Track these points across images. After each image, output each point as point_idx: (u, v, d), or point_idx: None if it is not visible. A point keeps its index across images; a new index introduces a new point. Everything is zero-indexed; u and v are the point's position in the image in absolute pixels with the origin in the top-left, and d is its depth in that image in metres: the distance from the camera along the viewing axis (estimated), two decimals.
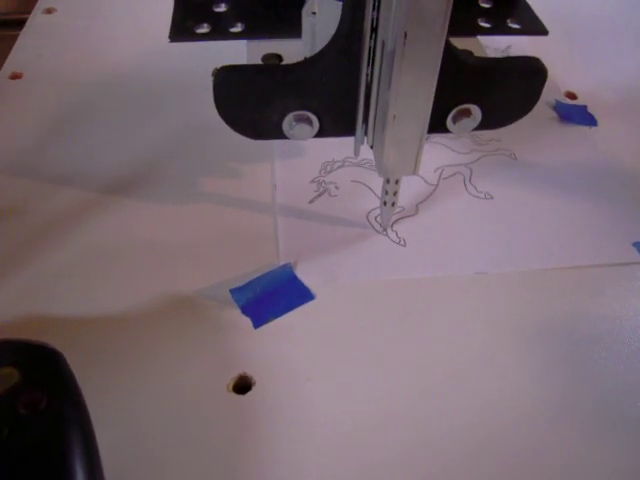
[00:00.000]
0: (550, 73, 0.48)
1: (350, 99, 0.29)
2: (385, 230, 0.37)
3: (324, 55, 0.28)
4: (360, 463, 0.27)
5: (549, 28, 0.54)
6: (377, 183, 0.39)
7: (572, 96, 0.47)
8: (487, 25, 0.51)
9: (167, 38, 0.50)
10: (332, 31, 0.28)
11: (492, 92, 0.30)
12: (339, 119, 0.30)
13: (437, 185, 0.39)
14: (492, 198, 0.39)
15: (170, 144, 0.42)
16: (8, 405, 0.24)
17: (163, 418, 0.28)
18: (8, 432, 0.24)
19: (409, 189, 0.39)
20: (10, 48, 0.50)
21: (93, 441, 0.25)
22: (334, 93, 0.29)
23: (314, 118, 0.30)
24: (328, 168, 0.40)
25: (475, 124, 0.31)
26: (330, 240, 0.36)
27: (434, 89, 0.27)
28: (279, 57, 0.38)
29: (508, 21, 0.52)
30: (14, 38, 0.51)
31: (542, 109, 0.45)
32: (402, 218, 0.37)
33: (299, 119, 0.30)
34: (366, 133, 0.31)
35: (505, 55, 0.51)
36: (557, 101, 0.46)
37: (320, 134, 0.31)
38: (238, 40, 0.47)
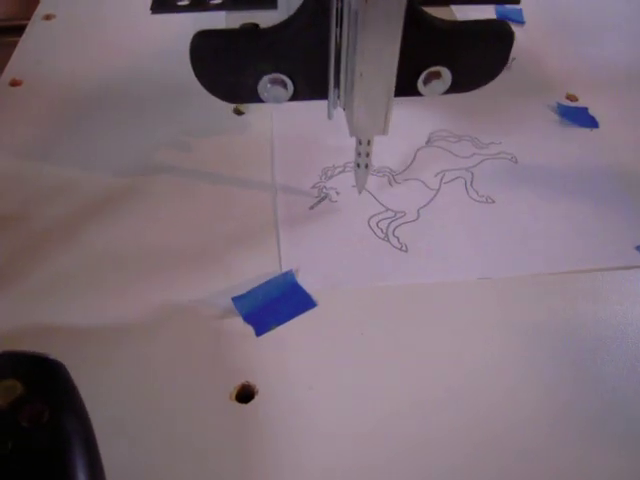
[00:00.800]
0: (551, 75, 0.49)
1: (322, 61, 0.30)
2: (360, 193, 0.37)
3: (296, 18, 0.29)
4: (362, 471, 0.27)
5: (551, 30, 0.54)
6: (378, 188, 0.39)
7: (573, 98, 0.47)
8: None
9: (165, 41, 0.50)
10: None
11: (461, 55, 0.31)
12: (312, 82, 0.31)
13: (438, 190, 0.39)
14: (494, 202, 0.39)
15: (170, 149, 0.42)
16: (11, 418, 0.24)
17: (166, 428, 0.28)
18: (12, 445, 0.24)
19: (410, 194, 0.39)
20: (9, 54, 0.50)
21: (96, 453, 0.25)
22: (306, 56, 0.30)
23: (288, 81, 0.31)
24: (329, 173, 0.40)
25: (445, 87, 0.32)
26: (331, 246, 0.36)
27: (398, 47, 0.28)
28: (256, 26, 0.39)
29: None
30: (13, 44, 0.51)
31: (543, 111, 0.45)
32: (403, 223, 0.37)
33: (274, 82, 0.31)
34: (339, 96, 0.32)
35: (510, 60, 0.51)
36: (558, 103, 0.46)
37: (295, 97, 0.32)
38: (219, 13, 0.47)
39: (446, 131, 0.43)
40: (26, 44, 0.51)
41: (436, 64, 0.31)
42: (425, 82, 0.32)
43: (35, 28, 0.53)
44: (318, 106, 0.33)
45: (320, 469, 0.27)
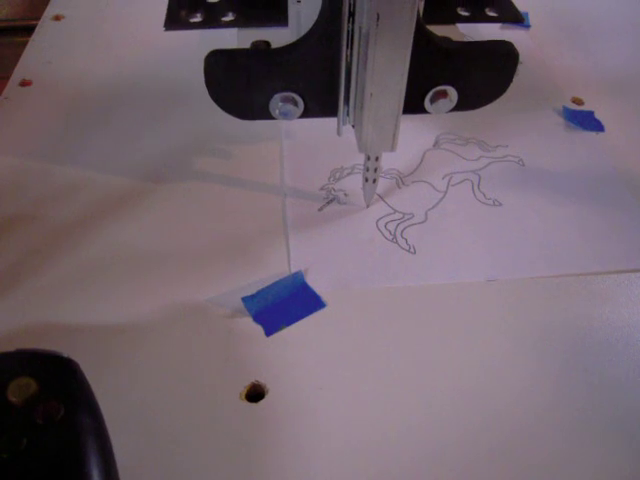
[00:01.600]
0: (557, 78, 0.49)
1: (332, 80, 0.31)
2: (367, 207, 0.38)
3: (307, 39, 0.30)
4: (372, 471, 0.27)
5: (557, 34, 0.55)
6: (386, 190, 0.40)
7: (579, 102, 0.47)
8: (466, 13, 0.52)
9: (175, 42, 0.51)
10: (315, 17, 0.30)
11: (467, 74, 0.32)
12: (323, 100, 0.32)
13: (446, 192, 0.40)
14: (501, 205, 0.39)
15: (180, 151, 0.42)
16: (26, 415, 0.24)
17: (177, 426, 0.29)
18: (27, 442, 0.24)
19: (418, 196, 0.39)
20: (19, 55, 0.50)
21: (110, 450, 0.25)
22: (317, 75, 0.31)
23: (299, 99, 0.32)
24: (337, 175, 0.40)
25: (452, 105, 0.33)
26: (340, 248, 0.36)
27: (407, 67, 0.29)
28: (267, 43, 0.40)
29: (486, 10, 0.53)
30: (23, 45, 0.52)
31: (549, 115, 0.46)
32: (412, 225, 0.37)
33: (285, 100, 0.32)
34: (348, 113, 0.33)
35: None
36: (564, 107, 0.46)
37: (305, 114, 0.33)
38: (229, 29, 0.48)
39: (453, 134, 0.44)
40: (36, 44, 0.52)
41: (443, 83, 0.32)
42: (432, 101, 0.33)
43: (45, 28, 0.54)
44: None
45: (329, 469, 0.27)
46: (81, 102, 0.46)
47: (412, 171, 0.41)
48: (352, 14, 0.28)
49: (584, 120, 0.45)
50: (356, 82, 0.31)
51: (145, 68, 0.49)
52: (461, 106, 0.33)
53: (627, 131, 0.45)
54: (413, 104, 0.32)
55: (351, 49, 0.30)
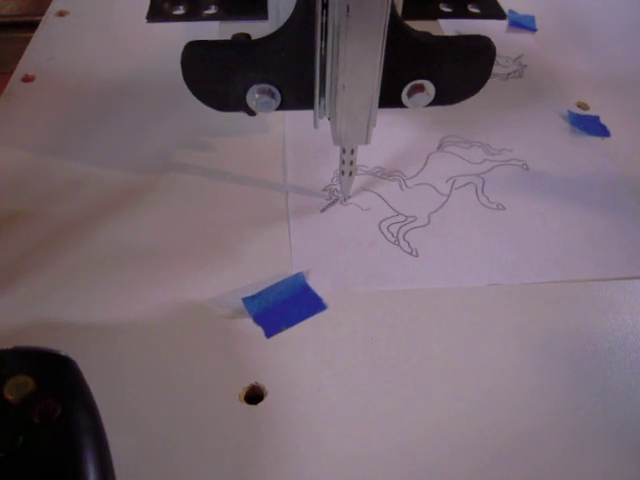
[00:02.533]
0: (562, 82, 0.49)
1: (308, 73, 0.31)
2: (345, 200, 0.38)
3: (283, 32, 0.30)
4: (371, 475, 0.27)
5: (562, 37, 0.54)
6: (389, 192, 0.39)
7: (584, 106, 0.47)
8: (448, 10, 0.53)
9: (180, 39, 0.50)
10: None
11: (444, 69, 0.32)
12: (299, 92, 0.32)
13: (449, 195, 0.39)
14: (504, 209, 0.39)
15: (182, 149, 0.42)
16: (23, 414, 0.24)
17: (174, 426, 0.28)
18: (23, 441, 0.24)
19: (421, 199, 0.39)
20: (22, 50, 0.50)
21: (106, 450, 0.25)
22: (293, 67, 0.31)
23: (276, 91, 0.32)
24: None
25: (429, 99, 0.33)
26: (342, 249, 0.36)
27: (379, 60, 0.29)
28: (248, 36, 0.40)
29: (469, 6, 0.54)
30: (26, 40, 0.51)
31: (554, 119, 0.45)
32: (414, 228, 0.37)
33: (262, 92, 0.32)
34: (324, 107, 0.33)
35: (517, 63, 0.51)
36: (569, 111, 0.46)
37: (282, 107, 0.33)
38: (212, 22, 0.48)
39: (457, 137, 0.44)
40: (39, 40, 0.52)
41: (420, 77, 0.32)
42: (409, 94, 0.33)
43: (48, 24, 0.53)
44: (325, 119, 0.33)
45: (328, 472, 0.27)
46: (83, 98, 0.46)
47: (416, 174, 0.41)
48: (325, 6, 0.29)
49: (589, 125, 0.45)
50: (331, 74, 0.31)
51: (148, 64, 0.49)
52: (439, 101, 0.33)
53: (633, 136, 0.44)
54: (390, 98, 0.32)
55: (325, 42, 0.30)
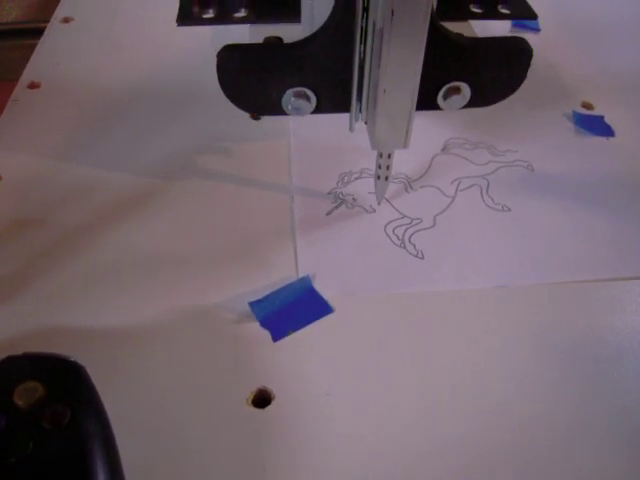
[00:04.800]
0: (567, 83, 0.49)
1: (345, 76, 0.31)
2: (379, 204, 0.38)
3: (320, 35, 0.30)
4: (380, 478, 0.27)
5: (567, 38, 0.54)
6: (394, 194, 0.39)
7: (589, 106, 0.47)
8: (478, 10, 0.53)
9: (183, 45, 0.51)
10: (329, 13, 0.30)
11: (480, 70, 0.32)
12: (335, 96, 0.32)
13: (454, 197, 0.39)
14: (509, 210, 0.39)
15: (188, 155, 0.42)
16: (33, 419, 0.24)
17: (183, 431, 0.29)
18: (33, 446, 0.24)
19: (427, 201, 0.39)
20: (28, 57, 0.51)
21: (116, 455, 0.25)
22: (330, 71, 0.31)
23: (311, 95, 0.32)
24: (345, 179, 0.40)
25: (465, 101, 0.33)
26: (348, 252, 0.36)
27: (421, 64, 0.29)
28: (280, 39, 0.41)
29: (499, 7, 0.54)
30: (31, 47, 0.52)
31: (559, 119, 0.45)
32: (420, 230, 0.37)
33: (297, 95, 0.32)
34: (360, 110, 0.33)
35: None
36: (574, 111, 0.46)
37: (317, 110, 0.33)
38: (241, 26, 0.48)
39: (462, 138, 0.44)
40: (44, 47, 0.52)
41: (456, 79, 0.32)
42: (445, 97, 0.33)
43: (53, 31, 0.54)
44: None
45: (336, 475, 0.27)
46: (90, 104, 0.46)
47: (421, 176, 0.41)
48: (366, 10, 0.28)
49: (594, 125, 0.45)
50: (369, 78, 0.31)
51: (154, 69, 0.49)
52: (474, 103, 0.33)
53: (638, 136, 0.44)
54: (426, 100, 0.32)
55: (364, 45, 0.30)
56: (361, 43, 0.30)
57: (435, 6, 0.38)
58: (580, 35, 0.55)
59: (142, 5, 0.56)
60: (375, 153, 0.35)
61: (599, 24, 0.56)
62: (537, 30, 0.54)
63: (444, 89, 0.32)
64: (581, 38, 0.54)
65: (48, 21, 0.55)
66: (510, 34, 0.54)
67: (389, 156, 0.35)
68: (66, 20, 0.55)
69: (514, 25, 0.55)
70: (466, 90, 0.32)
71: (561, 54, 0.52)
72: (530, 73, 0.49)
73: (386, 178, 0.36)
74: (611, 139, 0.44)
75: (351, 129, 0.33)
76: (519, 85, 0.33)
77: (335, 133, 0.42)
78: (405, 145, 0.33)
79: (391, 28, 0.27)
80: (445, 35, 0.31)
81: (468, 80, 0.32)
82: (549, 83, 0.49)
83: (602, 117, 0.45)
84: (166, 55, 0.50)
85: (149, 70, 0.49)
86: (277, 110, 0.32)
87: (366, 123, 0.34)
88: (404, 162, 0.41)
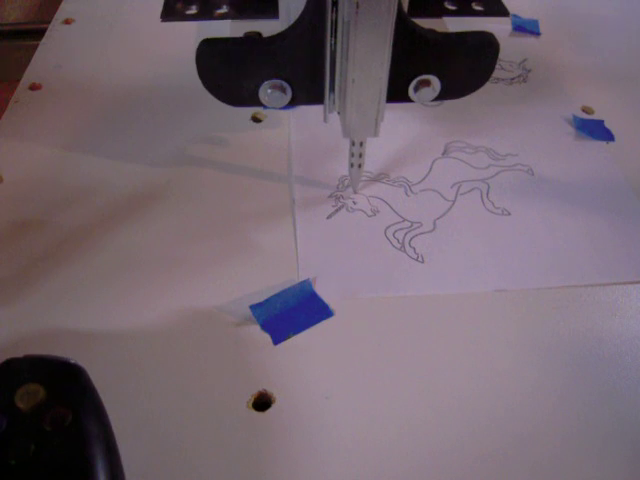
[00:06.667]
0: (567, 87, 0.49)
1: (318, 68, 0.33)
2: (355, 192, 0.39)
3: (294, 28, 0.32)
4: None
5: (567, 41, 0.54)
6: (394, 198, 0.39)
7: (589, 111, 0.47)
8: (452, 7, 0.54)
9: (185, 46, 0.51)
10: None
11: (449, 64, 0.33)
12: (310, 87, 0.34)
13: (454, 201, 0.39)
14: (509, 214, 0.39)
15: (190, 156, 0.42)
16: (34, 422, 0.25)
17: (183, 433, 0.29)
18: (35, 449, 0.24)
19: (427, 205, 0.39)
20: (28, 58, 0.51)
21: (117, 457, 0.25)
22: (304, 63, 0.33)
23: (287, 86, 0.33)
24: (346, 183, 0.40)
25: (435, 94, 0.34)
26: (348, 256, 0.36)
27: (388, 55, 0.31)
28: (259, 34, 0.43)
29: (473, 4, 0.55)
30: (32, 48, 0.52)
31: (559, 124, 0.46)
32: (420, 234, 0.37)
33: (273, 87, 0.33)
34: (334, 101, 0.34)
35: (522, 67, 0.51)
36: (574, 116, 0.46)
37: (293, 102, 0.34)
38: (224, 21, 0.49)
39: (462, 142, 0.44)
40: (46, 48, 0.52)
41: (426, 72, 0.33)
42: (415, 89, 0.34)
43: (55, 32, 0.54)
44: (335, 116, 0.34)
45: (337, 478, 0.27)
46: (91, 106, 0.46)
47: (421, 179, 0.41)
48: (335, 4, 0.30)
49: (594, 129, 0.45)
50: (340, 70, 0.32)
51: (154, 72, 0.49)
52: (444, 95, 0.34)
53: (638, 141, 0.44)
54: (397, 92, 0.34)
55: (335, 38, 0.31)
56: (332, 36, 0.31)
57: (408, 2, 0.39)
58: (581, 39, 0.55)
59: (143, 6, 0.56)
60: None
61: (599, 28, 0.56)
62: (538, 34, 0.55)
63: (414, 82, 0.34)
64: (582, 42, 0.54)
65: (49, 22, 0.55)
66: (510, 37, 0.54)
67: (361, 144, 0.36)
68: (67, 21, 0.55)
69: (515, 29, 0.55)
70: (436, 83, 0.34)
71: (561, 58, 0.52)
72: (530, 77, 0.49)
73: (359, 166, 0.37)
74: (611, 143, 0.44)
75: (325, 120, 0.35)
76: (487, 78, 0.35)
77: (335, 137, 0.42)
78: (375, 133, 0.34)
79: (357, 21, 0.29)
80: (414, 29, 0.32)
81: (438, 73, 0.33)
82: (549, 87, 0.49)
83: (602, 121, 0.46)
84: (167, 55, 0.50)
85: (151, 71, 0.49)
86: (254, 101, 0.34)
87: (339, 113, 0.35)
88: (404, 166, 0.41)
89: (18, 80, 0.48)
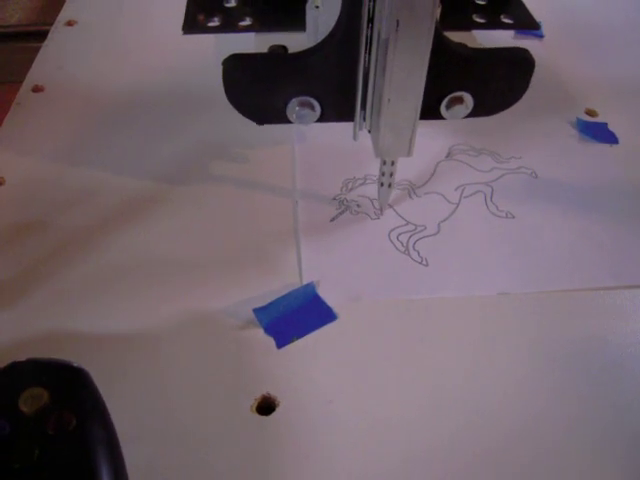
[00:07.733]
0: (570, 90, 0.49)
1: (349, 85, 0.31)
2: (382, 212, 0.38)
3: (325, 44, 0.31)
4: None
5: (570, 44, 0.54)
6: (398, 201, 0.39)
7: (593, 113, 0.47)
8: (481, 20, 0.53)
9: (187, 50, 0.51)
10: (333, 23, 0.30)
11: (483, 80, 0.32)
12: (339, 104, 0.32)
13: (458, 204, 0.39)
14: (513, 217, 0.39)
15: (192, 159, 0.42)
16: (38, 426, 0.24)
17: (187, 437, 0.28)
18: (38, 453, 0.24)
19: (431, 208, 0.39)
20: (31, 60, 0.50)
21: (121, 460, 0.25)
22: (335, 80, 0.31)
23: (316, 103, 0.32)
24: (349, 185, 0.40)
25: (467, 111, 0.33)
26: (352, 259, 0.36)
27: (425, 74, 0.29)
28: (284, 48, 0.41)
29: (502, 17, 0.54)
30: (35, 50, 0.52)
31: (562, 126, 0.45)
32: (424, 237, 0.37)
33: (302, 104, 0.32)
34: (364, 118, 0.33)
35: None
36: (578, 118, 0.46)
37: (321, 119, 0.33)
38: (247, 33, 0.48)
39: (466, 145, 0.44)
40: (48, 50, 0.52)
41: (459, 89, 0.32)
42: (448, 107, 0.33)
43: (57, 34, 0.54)
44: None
45: None
46: (94, 108, 0.46)
47: (424, 182, 0.41)
48: (371, 20, 0.29)
49: (598, 132, 0.45)
50: (373, 88, 0.31)
51: (158, 73, 0.49)
52: (476, 112, 0.34)
53: None
54: (429, 109, 0.33)
55: (369, 54, 0.30)
56: (366, 52, 0.30)
57: (438, 16, 0.38)
58: (584, 42, 0.55)
59: (146, 8, 0.56)
60: (379, 160, 0.35)
61: (603, 31, 0.56)
62: (541, 37, 0.54)
63: (447, 99, 0.33)
64: (585, 45, 0.54)
65: (52, 24, 0.55)
66: (513, 40, 0.54)
67: (392, 163, 0.35)
68: (70, 23, 0.55)
69: (518, 32, 0.55)
70: (469, 100, 0.33)
71: (565, 61, 0.52)
72: (534, 80, 0.49)
73: (389, 185, 0.36)
74: (615, 146, 0.44)
75: (355, 138, 0.34)
76: (521, 95, 0.34)
77: (339, 139, 0.42)
78: (409, 153, 0.33)
79: (396, 38, 0.28)
80: (448, 45, 0.31)
81: (471, 90, 0.32)
82: (553, 90, 0.49)
83: (606, 124, 0.45)
84: (170, 58, 0.50)
85: (153, 74, 0.49)
86: (282, 119, 0.33)
87: (370, 132, 0.34)
88: (408, 168, 0.41)
89: (20, 82, 0.48)
